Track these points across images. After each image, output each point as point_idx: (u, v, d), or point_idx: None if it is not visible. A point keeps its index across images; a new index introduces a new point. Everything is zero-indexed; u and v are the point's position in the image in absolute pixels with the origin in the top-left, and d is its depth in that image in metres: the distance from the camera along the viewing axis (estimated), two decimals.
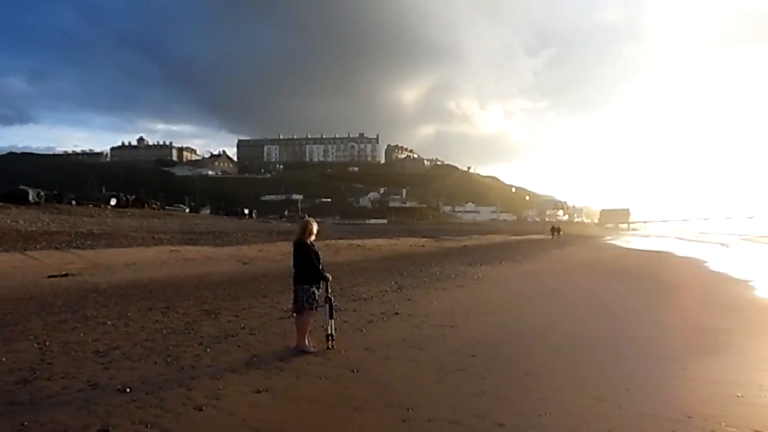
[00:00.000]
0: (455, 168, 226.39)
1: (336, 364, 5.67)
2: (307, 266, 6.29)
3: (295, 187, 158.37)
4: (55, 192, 48.26)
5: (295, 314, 6.84)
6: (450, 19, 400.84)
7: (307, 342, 6.26)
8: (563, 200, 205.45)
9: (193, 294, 10.72)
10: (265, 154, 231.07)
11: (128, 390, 4.67)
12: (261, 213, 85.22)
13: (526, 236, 58.62)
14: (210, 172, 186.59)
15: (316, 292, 6.32)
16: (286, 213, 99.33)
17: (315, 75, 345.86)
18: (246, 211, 75.91)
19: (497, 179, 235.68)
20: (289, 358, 5.89)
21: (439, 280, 14.16)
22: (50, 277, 12.53)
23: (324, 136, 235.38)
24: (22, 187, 40.85)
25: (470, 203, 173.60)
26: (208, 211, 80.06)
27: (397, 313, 8.88)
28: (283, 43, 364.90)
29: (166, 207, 67.44)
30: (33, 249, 17.66)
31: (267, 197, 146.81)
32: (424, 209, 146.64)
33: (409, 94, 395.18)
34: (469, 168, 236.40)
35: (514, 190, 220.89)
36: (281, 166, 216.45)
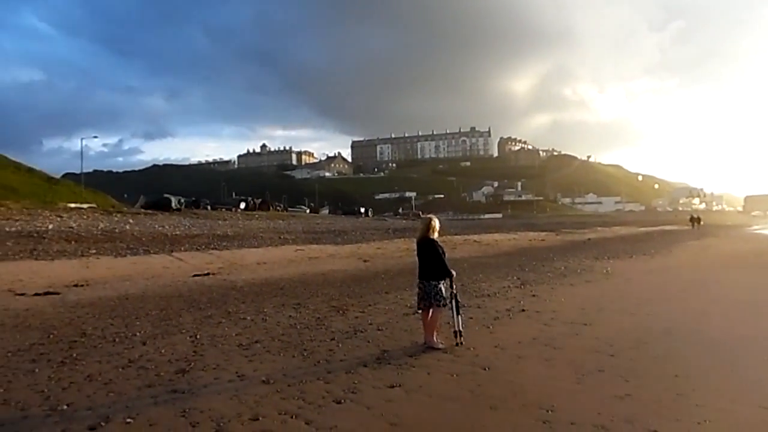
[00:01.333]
0: (573, 158, 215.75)
1: (466, 362, 5.60)
2: (433, 262, 6.28)
3: (408, 185, 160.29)
4: (193, 199, 53.05)
5: (420, 311, 6.87)
6: (562, 1, 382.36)
7: (435, 338, 6.25)
8: (699, 187, 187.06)
9: (320, 291, 11.20)
10: (377, 154, 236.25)
11: (272, 382, 4.96)
12: (376, 211, 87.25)
13: (657, 227, 54.30)
14: (327, 174, 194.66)
15: (443, 288, 6.29)
16: (400, 210, 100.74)
17: (424, 72, 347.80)
18: (362, 210, 78.11)
19: (621, 167, 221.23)
20: (419, 354, 5.91)
21: (564, 276, 13.53)
22: (194, 276, 13.75)
23: (435, 133, 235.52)
24: (166, 195, 45.36)
25: (591, 194, 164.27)
26: (327, 211, 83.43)
27: (523, 310, 8.60)
28: (391, 42, 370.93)
29: (289, 209, 71.33)
30: (178, 251, 19.49)
31: (381, 196, 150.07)
32: (541, 202, 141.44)
33: (521, 83, 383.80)
34: (588, 157, 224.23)
35: (640, 178, 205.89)
36: (394, 165, 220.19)
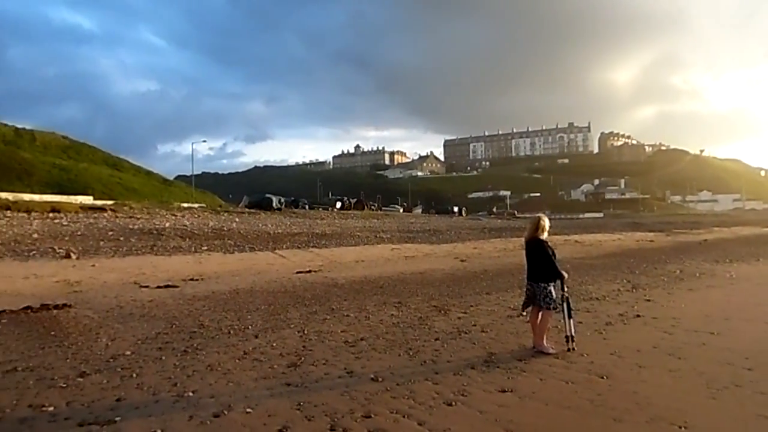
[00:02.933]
0: (684, 152, 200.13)
1: (581, 369, 5.29)
2: (542, 263, 6.00)
3: (502, 183, 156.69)
4: (292, 198, 55.16)
5: (524, 313, 6.63)
6: None
7: (545, 343, 5.99)
8: None
9: (419, 290, 11.17)
10: (470, 152, 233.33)
11: (380, 379, 4.97)
12: (469, 210, 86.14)
13: None
14: (419, 173, 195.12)
15: (552, 290, 6.01)
16: (494, 210, 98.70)
17: (519, 67, 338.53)
18: (455, 209, 77.39)
19: (740, 161, 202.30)
20: (528, 359, 5.68)
21: (681, 279, 12.53)
22: (297, 272, 14.25)
23: (530, 129, 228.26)
24: (267, 195, 47.53)
25: (705, 191, 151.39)
26: (420, 211, 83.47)
27: (639, 315, 8.03)
28: (485, 38, 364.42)
29: (383, 208, 72.13)
30: (280, 248, 20.35)
31: (474, 194, 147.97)
32: (647, 200, 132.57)
33: (623, 74, 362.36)
34: (701, 151, 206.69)
35: (763, 173, 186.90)
36: (487, 163, 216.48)
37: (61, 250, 15.85)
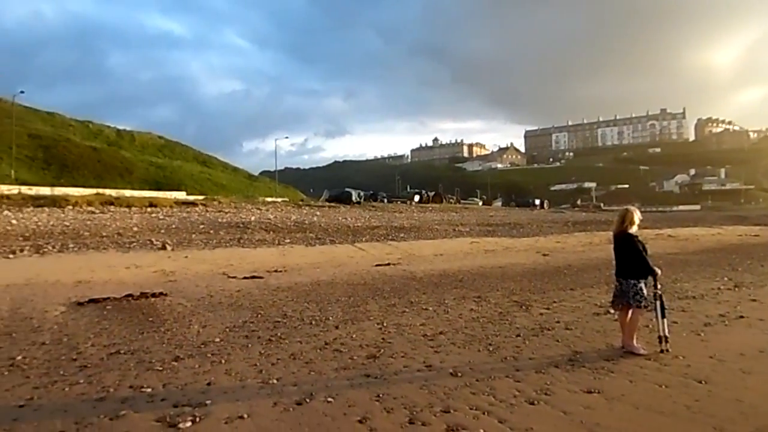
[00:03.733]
0: None
1: (675, 372, 4.96)
2: (632, 259, 5.67)
3: (587, 175, 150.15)
4: (371, 192, 55.84)
5: (612, 310, 6.31)
6: None
7: (635, 343, 5.66)
8: None
9: (499, 284, 10.95)
10: (553, 143, 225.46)
11: (459, 375, 4.90)
12: (551, 203, 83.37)
13: None
14: (499, 165, 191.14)
15: (643, 288, 5.66)
16: (578, 202, 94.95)
17: (604, 52, 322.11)
18: (537, 202, 75.27)
19: None
20: (617, 359, 5.39)
21: None
22: (376, 265, 14.40)
23: (618, 117, 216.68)
24: (347, 189, 48.47)
25: None
26: (500, 203, 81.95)
27: (742, 317, 7.41)
28: (566, 23, 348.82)
29: (462, 201, 71.44)
30: (360, 241, 20.66)
31: (557, 187, 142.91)
32: (752, 191, 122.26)
33: (723, 54, 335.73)
34: None
35: None
36: (571, 154, 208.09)
37: (157, 242, 16.98)
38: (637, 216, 5.91)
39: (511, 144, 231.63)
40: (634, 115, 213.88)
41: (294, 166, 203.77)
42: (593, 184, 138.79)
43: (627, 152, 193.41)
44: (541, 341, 6.19)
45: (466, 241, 22.31)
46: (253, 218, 25.43)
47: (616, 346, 5.83)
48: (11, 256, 13.79)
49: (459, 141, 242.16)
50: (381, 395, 4.36)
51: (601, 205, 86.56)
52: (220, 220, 24.03)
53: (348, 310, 8.21)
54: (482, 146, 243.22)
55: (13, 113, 51.69)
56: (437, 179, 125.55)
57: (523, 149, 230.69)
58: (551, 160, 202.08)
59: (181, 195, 39.29)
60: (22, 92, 69.24)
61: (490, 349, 5.85)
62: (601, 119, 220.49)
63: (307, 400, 4.24)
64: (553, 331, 6.70)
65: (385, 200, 52.00)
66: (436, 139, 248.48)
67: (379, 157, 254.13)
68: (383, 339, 6.33)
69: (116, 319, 7.40)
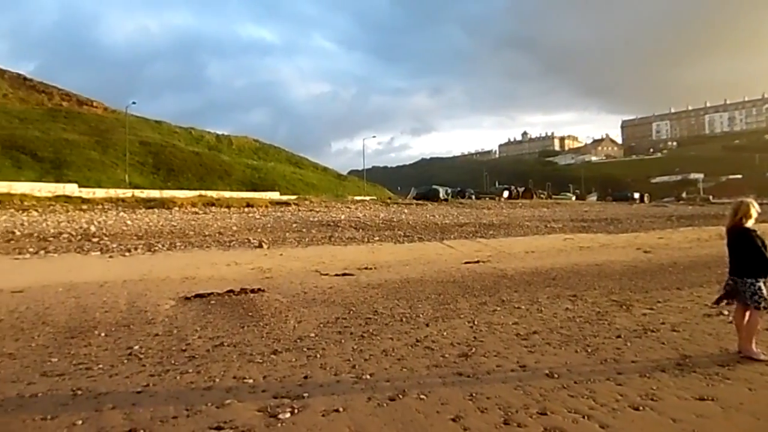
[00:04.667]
0: None
1: None
2: (749, 256, 5.19)
3: (693, 165, 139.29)
4: (458, 189, 55.39)
5: (716, 305, 5.84)
6: None
7: (754, 347, 5.18)
8: None
9: (596, 283, 10.45)
10: (653, 132, 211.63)
11: (556, 376, 4.73)
12: (652, 196, 78.33)
13: None
14: (593, 158, 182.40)
15: (762, 287, 5.17)
16: (683, 195, 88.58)
17: (709, 32, 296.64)
18: (635, 196, 71.14)
19: None
20: (733, 365, 4.96)
21: None
22: (465, 263, 14.24)
23: (728, 102, 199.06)
24: (434, 186, 48.38)
25: None
26: (595, 198, 78.25)
27: None
28: (662, 3, 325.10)
29: (553, 196, 69.07)
30: (448, 238, 20.54)
31: (658, 179, 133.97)
32: None
33: None
34: None
35: None
36: (674, 143, 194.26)
37: (255, 241, 17.86)
38: (755, 208, 5.40)
39: (607, 135, 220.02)
40: (747, 99, 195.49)
41: (381, 165, 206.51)
42: (700, 175, 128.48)
43: (739, 139, 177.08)
44: (645, 343, 5.83)
45: (559, 238, 21.50)
46: (343, 217, 26.06)
47: (732, 350, 5.38)
48: (127, 254, 15.06)
49: (549, 134, 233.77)
50: (474, 394, 4.30)
51: (710, 197, 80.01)
52: (311, 218, 24.85)
53: (438, 307, 8.18)
54: (574, 138, 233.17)
55: (127, 123, 56.52)
56: (527, 174, 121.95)
57: (619, 140, 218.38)
58: (651, 150, 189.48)
59: (275, 195, 41.08)
60: (133, 103, 75.68)
61: (589, 350, 5.60)
62: (708, 104, 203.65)
63: (400, 397, 4.28)
64: (658, 333, 6.29)
65: (473, 197, 51.32)
66: (525, 133, 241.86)
67: (466, 153, 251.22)
68: (475, 337, 6.24)
69: (219, 313, 7.86)
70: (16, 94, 64.82)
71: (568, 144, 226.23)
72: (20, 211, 23.04)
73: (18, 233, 17.55)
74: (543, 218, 30.52)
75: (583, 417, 3.82)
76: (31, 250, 15.07)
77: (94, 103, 69.74)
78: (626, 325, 6.69)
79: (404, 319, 7.31)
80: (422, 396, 4.29)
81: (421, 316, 7.54)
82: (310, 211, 28.46)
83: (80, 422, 3.81)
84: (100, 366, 5.22)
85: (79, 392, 4.47)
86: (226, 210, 27.53)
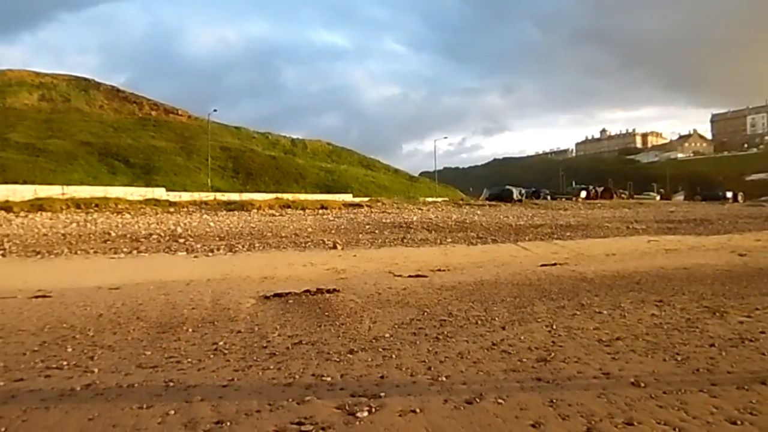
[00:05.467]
0: None
1: None
2: None
3: None
4: (533, 189, 54.02)
5: None
6: None
7: None
8: None
9: (685, 288, 9.85)
10: (747, 126, 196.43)
11: (642, 385, 4.50)
12: (747, 195, 72.73)
13: None
14: (679, 155, 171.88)
15: None
16: None
17: None
18: (728, 195, 66.38)
19: None
20: None
21: None
22: (541, 265, 13.85)
23: None
24: (507, 187, 47.44)
25: None
26: (682, 197, 73.84)
27: None
28: None
29: (635, 196, 65.88)
30: (523, 240, 20.08)
31: (754, 176, 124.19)
32: None
33: None
34: None
35: None
36: None
37: (329, 242, 18.25)
38: None
39: (694, 130, 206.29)
40: None
41: (453, 166, 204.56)
42: None
43: None
44: (742, 353, 5.44)
45: (643, 240, 20.45)
46: (415, 218, 26.11)
47: None
48: (210, 254, 15.85)
49: (630, 131, 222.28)
50: (554, 401, 4.18)
51: None
52: (384, 220, 25.08)
53: (514, 310, 8.01)
54: (658, 135, 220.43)
55: (209, 130, 59.52)
56: (606, 173, 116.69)
57: (708, 135, 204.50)
58: (746, 146, 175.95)
59: (347, 197, 41.83)
60: (215, 110, 79.68)
61: (678, 359, 5.29)
62: None
63: (477, 400, 4.23)
64: (757, 342, 5.84)
65: (549, 197, 49.86)
66: (603, 131, 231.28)
67: (540, 152, 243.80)
68: (553, 342, 6.06)
69: (297, 312, 8.10)
70: (110, 105, 70.08)
71: (651, 141, 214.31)
72: (115, 214, 24.82)
73: (113, 234, 18.91)
74: (624, 219, 29.15)
75: (675, 429, 3.62)
76: (125, 250, 16.19)
77: (179, 112, 74.08)
78: (720, 333, 6.26)
79: (479, 322, 7.21)
80: (500, 400, 4.22)
81: (496, 319, 7.42)
82: (383, 212, 28.73)
83: (172, 412, 4.04)
84: (189, 360, 5.53)
85: (171, 384, 4.75)
86: (301, 212, 28.32)
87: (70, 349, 5.94)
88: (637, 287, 10.08)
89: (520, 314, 7.73)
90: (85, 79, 75.63)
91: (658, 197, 68.39)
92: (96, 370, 5.17)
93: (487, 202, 40.97)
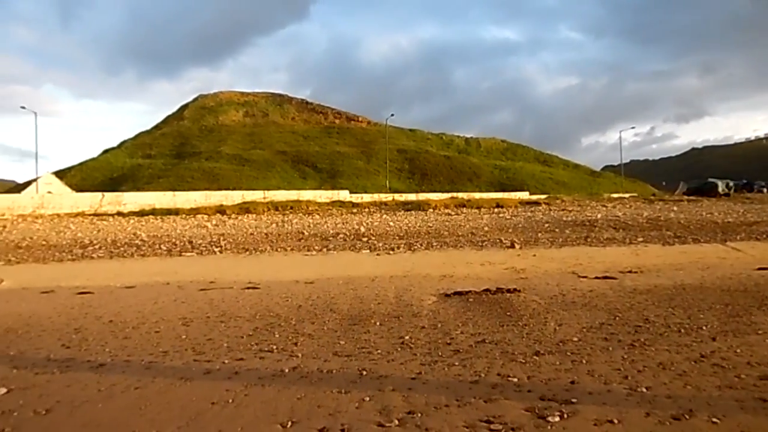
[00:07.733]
0: None
1: None
2: None
3: None
4: (744, 181, 47.11)
5: None
6: None
7: None
8: None
9: None
10: None
11: None
12: None
13: None
14: None
15: None
16: None
17: None
18: None
19: None
20: None
21: None
22: (759, 269, 11.96)
23: None
24: (710, 179, 41.96)
25: None
26: None
27: None
28: None
29: None
30: (733, 240, 17.59)
31: None
32: None
33: None
34: None
35: None
36: None
37: (506, 241, 17.92)
38: None
39: None
40: None
41: (641, 158, 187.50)
42: None
43: None
44: None
45: None
46: (599, 216, 24.41)
47: None
48: (391, 252, 16.60)
49: None
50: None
51: None
52: (564, 218, 23.88)
53: (726, 319, 7.04)
54: None
55: (387, 133, 62.42)
56: None
57: None
58: None
59: (524, 195, 40.63)
60: (392, 115, 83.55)
61: None
62: None
63: (686, 417, 3.81)
64: None
65: (765, 190, 42.91)
66: None
67: (752, 138, 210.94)
68: None
69: (478, 311, 8.09)
70: (300, 117, 77.52)
71: None
72: (307, 215, 27.35)
73: (306, 233, 20.84)
74: None
75: None
76: (316, 248, 17.74)
77: (360, 118, 79.09)
78: None
79: (683, 331, 6.47)
80: (714, 419, 3.75)
81: (704, 328, 6.59)
82: (562, 210, 27.36)
83: (367, 399, 4.32)
84: (379, 351, 5.85)
85: (364, 372, 5.08)
86: (477, 211, 28.24)
87: (277, 335, 6.69)
88: None
89: (734, 324, 6.76)
90: (280, 95, 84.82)
91: None
92: (300, 355, 5.75)
93: (685, 197, 36.63)
